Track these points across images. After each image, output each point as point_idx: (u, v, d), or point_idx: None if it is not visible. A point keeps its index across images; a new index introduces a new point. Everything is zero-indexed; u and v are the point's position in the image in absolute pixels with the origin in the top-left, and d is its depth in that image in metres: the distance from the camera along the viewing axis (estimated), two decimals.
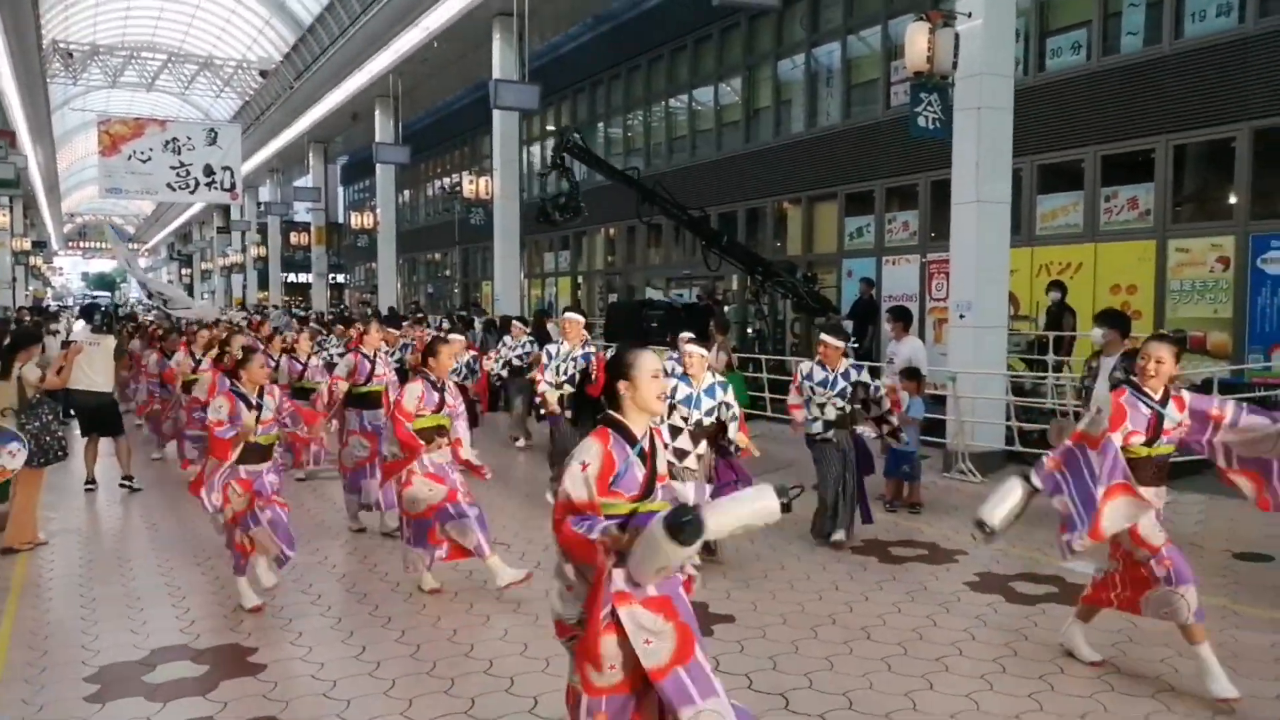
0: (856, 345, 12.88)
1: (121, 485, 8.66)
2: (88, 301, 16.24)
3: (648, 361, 2.86)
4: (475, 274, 28.24)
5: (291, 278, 40.46)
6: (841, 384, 6.60)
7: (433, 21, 19.59)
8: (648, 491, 2.82)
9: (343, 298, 36.27)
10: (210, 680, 4.41)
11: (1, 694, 4.26)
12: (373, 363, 7.51)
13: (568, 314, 8.59)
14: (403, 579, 5.86)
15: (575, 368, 7.86)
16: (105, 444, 9.01)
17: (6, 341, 6.78)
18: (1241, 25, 10.22)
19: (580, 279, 23.26)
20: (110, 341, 8.65)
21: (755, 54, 17.22)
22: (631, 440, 2.82)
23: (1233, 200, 10.49)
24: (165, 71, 33.04)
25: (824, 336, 6.70)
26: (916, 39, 9.21)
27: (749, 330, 15.86)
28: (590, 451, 2.77)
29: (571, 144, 13.03)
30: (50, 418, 6.49)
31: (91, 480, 8.69)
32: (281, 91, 31.11)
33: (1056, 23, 12.29)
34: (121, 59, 32.09)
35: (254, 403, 5.45)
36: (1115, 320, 6.90)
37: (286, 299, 35.55)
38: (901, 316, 9.09)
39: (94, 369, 8.26)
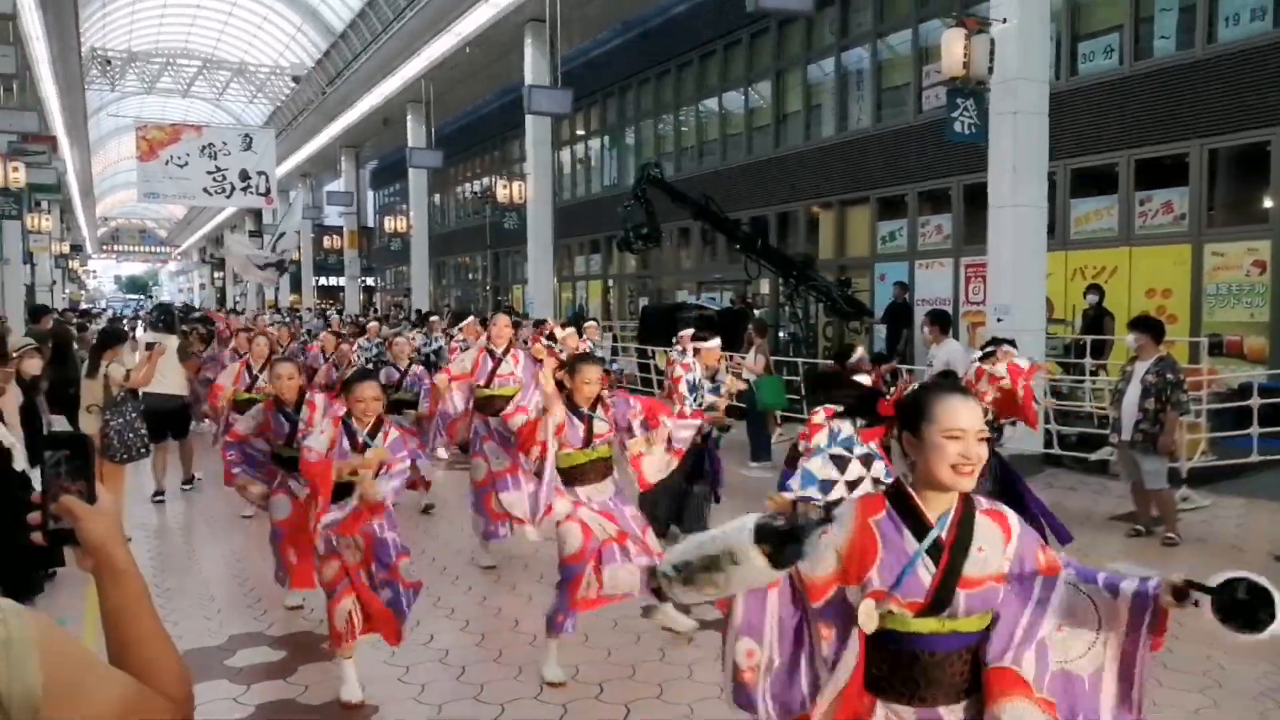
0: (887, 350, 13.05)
1: (183, 488, 8.64)
2: (159, 303, 16.54)
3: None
4: (506, 277, 28.53)
5: (323, 281, 40.94)
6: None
7: (465, 27, 19.86)
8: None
9: (374, 301, 36.67)
10: (289, 665, 4.63)
11: None
12: (498, 361, 6.52)
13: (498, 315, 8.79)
14: (463, 564, 6.05)
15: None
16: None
17: (96, 340, 7.06)
18: (1276, 29, 10.26)
19: (611, 282, 23.48)
20: (173, 341, 8.51)
21: (785, 58, 17.37)
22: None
23: (1268, 204, 10.54)
24: (199, 78, 33.62)
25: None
26: (952, 45, 9.37)
27: (781, 334, 15.99)
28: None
29: (652, 177, 13.87)
30: (134, 415, 6.74)
31: (160, 492, 8.47)
32: (314, 97, 31.55)
33: (1089, 27, 12.37)
34: (158, 65, 32.68)
35: (361, 440, 4.26)
36: (1148, 326, 7.02)
37: (319, 302, 36.00)
38: (939, 320, 9.19)
39: (163, 371, 8.04)
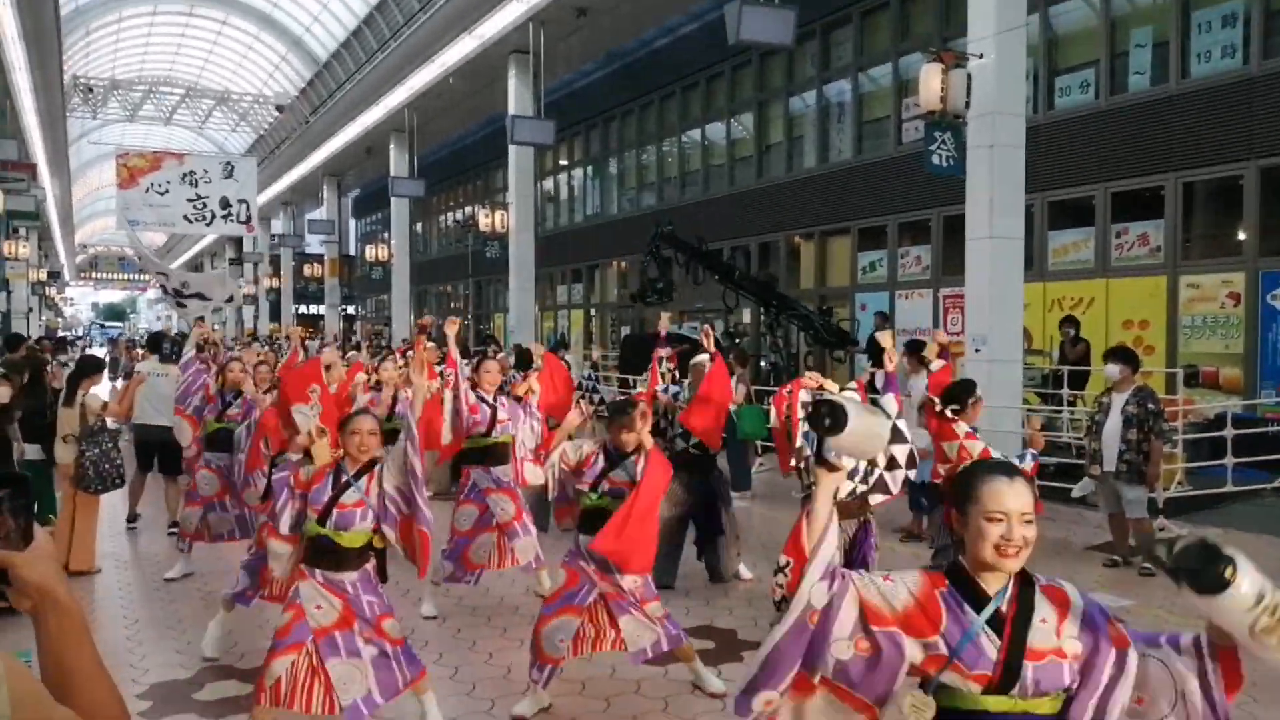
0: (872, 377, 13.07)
1: (170, 533, 7.97)
2: (155, 330, 16.12)
3: None
4: (488, 306, 28.50)
5: (303, 309, 40.77)
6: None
7: (449, 58, 19.97)
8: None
9: (354, 329, 36.51)
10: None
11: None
12: (493, 407, 5.89)
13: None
14: (439, 604, 5.96)
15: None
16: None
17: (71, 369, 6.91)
18: (1246, 66, 10.47)
19: (593, 311, 23.50)
20: (177, 372, 7.92)
21: (767, 90, 17.54)
22: None
23: (1242, 237, 10.68)
24: (182, 106, 33.60)
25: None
26: (930, 79, 9.49)
27: (763, 363, 16.02)
28: None
29: (664, 234, 14.43)
30: (109, 445, 6.63)
31: (134, 517, 8.33)
32: (297, 126, 31.59)
33: (1065, 62, 12.57)
34: (140, 93, 32.65)
35: (345, 480, 3.90)
36: (1126, 357, 7.07)
37: (298, 330, 35.81)
38: (916, 350, 9.22)
39: (161, 402, 7.84)
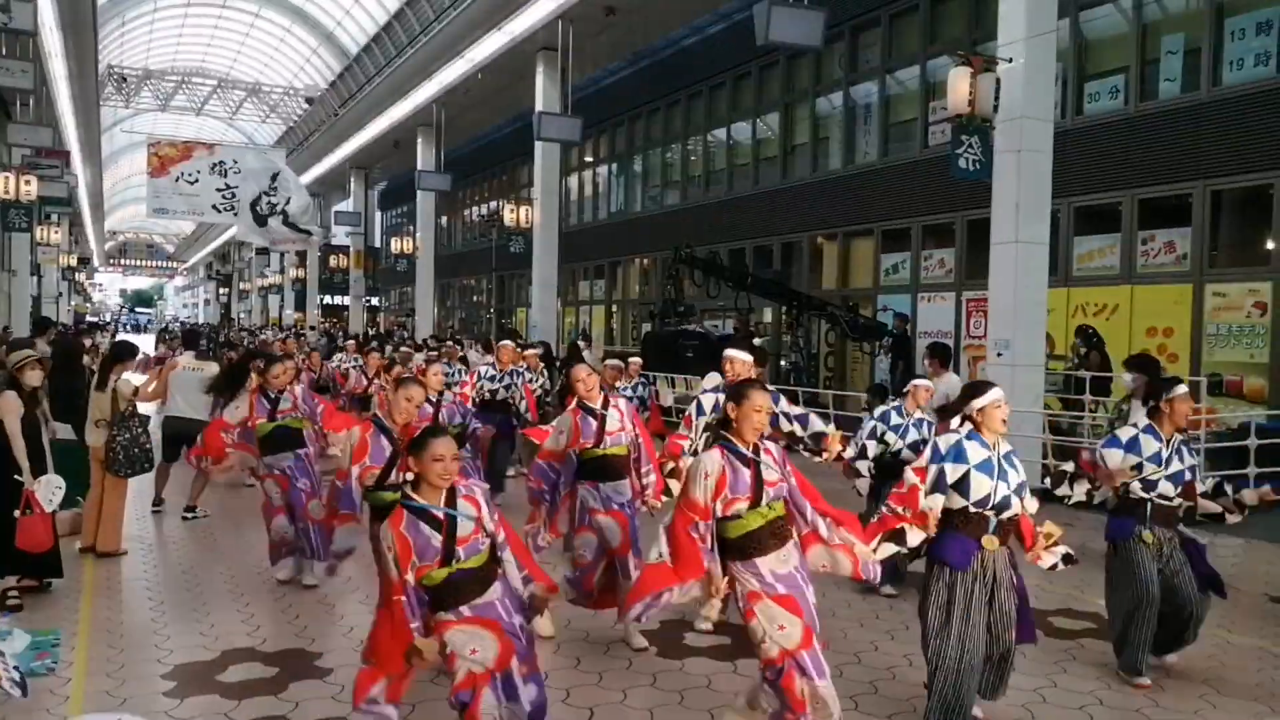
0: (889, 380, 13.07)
1: (184, 517, 8.17)
2: (189, 326, 16.31)
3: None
4: (510, 301, 28.65)
5: (328, 299, 41.12)
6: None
7: (478, 54, 20.10)
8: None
9: (378, 321, 36.80)
10: (280, 681, 4.62)
11: (89, 686, 4.51)
12: (600, 419, 5.11)
13: (502, 342, 9.47)
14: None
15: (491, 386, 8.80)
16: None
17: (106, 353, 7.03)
18: (1279, 74, 10.37)
19: (615, 308, 23.58)
20: (213, 368, 8.36)
21: (794, 91, 17.54)
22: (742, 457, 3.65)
23: (1270, 246, 10.60)
24: (213, 97, 33.98)
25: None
26: (959, 83, 9.47)
27: (782, 363, 16.03)
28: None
29: (684, 257, 15.02)
30: (139, 430, 6.76)
31: (159, 501, 8.40)
32: (326, 118, 31.86)
33: (1095, 68, 12.50)
34: (172, 84, 33.04)
35: (444, 517, 3.42)
36: (1144, 365, 7.03)
37: (323, 320, 36.14)
38: (940, 353, 9.21)
39: (193, 396, 8.02)
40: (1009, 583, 3.95)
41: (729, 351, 5.61)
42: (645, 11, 17.17)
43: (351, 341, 15.37)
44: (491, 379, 8.97)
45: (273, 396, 6.46)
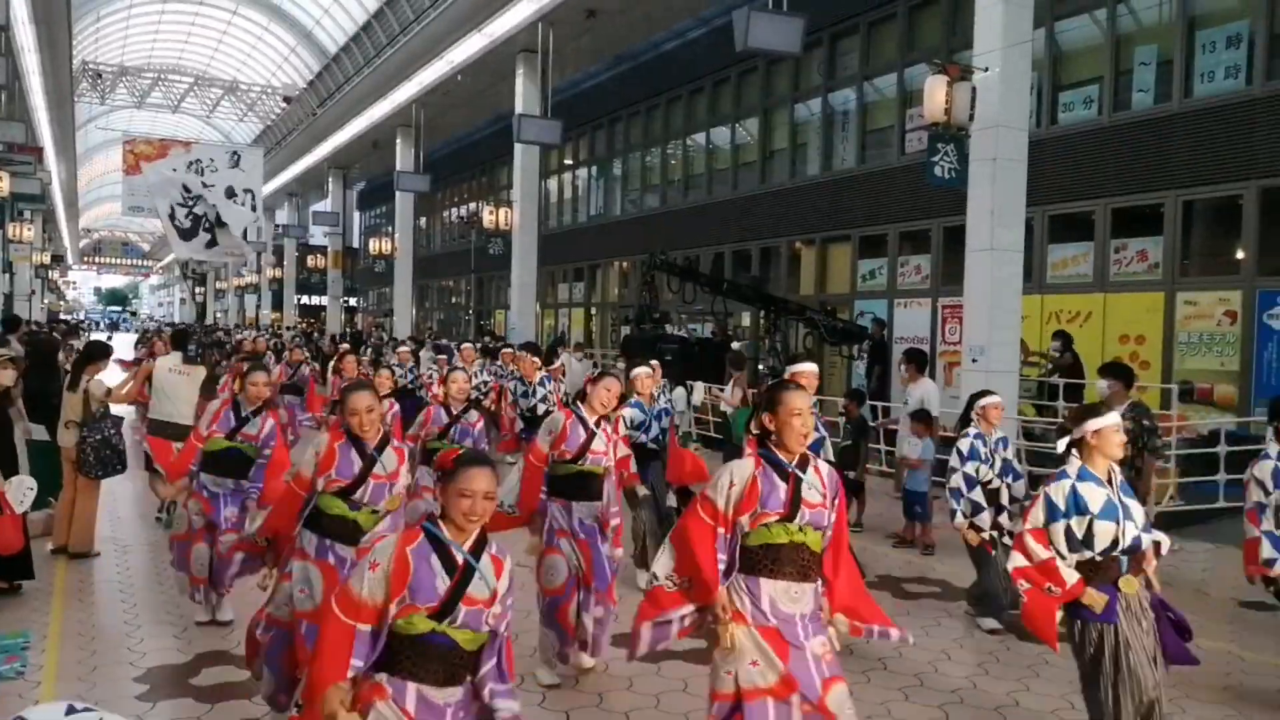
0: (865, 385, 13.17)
1: (157, 518, 7.99)
2: (179, 327, 15.86)
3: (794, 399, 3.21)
4: (489, 302, 28.59)
5: (305, 300, 40.87)
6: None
7: (457, 55, 20.06)
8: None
9: (355, 321, 36.62)
10: (253, 685, 4.59)
11: (59, 690, 4.47)
12: (590, 431, 4.81)
13: (520, 353, 8.99)
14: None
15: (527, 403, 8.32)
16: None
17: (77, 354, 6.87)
18: (1249, 87, 10.55)
19: (594, 310, 23.58)
20: (200, 373, 7.93)
21: (772, 97, 17.63)
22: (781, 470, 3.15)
23: (1240, 255, 10.76)
24: (190, 94, 33.70)
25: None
26: (935, 91, 9.57)
27: (760, 367, 16.08)
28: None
29: (659, 263, 15.05)
30: (112, 431, 6.70)
31: (163, 508, 7.84)
32: (304, 118, 31.68)
33: (1069, 78, 12.65)
34: (148, 80, 32.73)
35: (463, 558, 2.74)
36: (1119, 372, 7.11)
37: (299, 321, 35.91)
38: (916, 359, 9.30)
39: (180, 400, 7.51)
40: (1150, 621, 3.54)
41: (635, 370, 5.50)
42: (626, 15, 17.20)
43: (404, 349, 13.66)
44: (525, 395, 8.51)
45: (243, 414, 5.44)
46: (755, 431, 3.26)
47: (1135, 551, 3.49)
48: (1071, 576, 3.45)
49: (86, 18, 27.51)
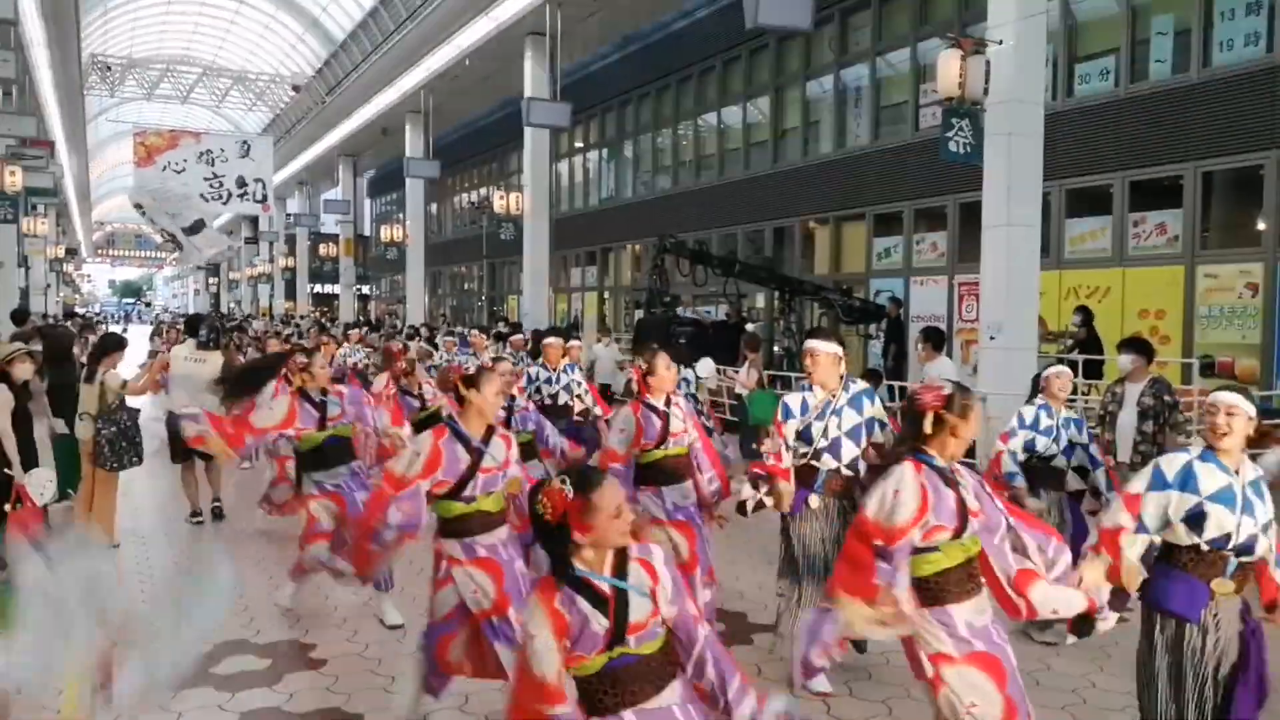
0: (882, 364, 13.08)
1: (188, 521, 7.76)
2: (192, 313, 15.69)
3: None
4: (502, 288, 28.57)
5: (318, 288, 40.98)
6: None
7: (465, 40, 19.97)
8: None
9: (368, 309, 36.69)
10: (274, 673, 4.62)
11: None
12: (664, 417, 4.69)
13: (549, 339, 8.13)
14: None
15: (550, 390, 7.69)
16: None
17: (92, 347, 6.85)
18: (1270, 54, 10.36)
19: (607, 294, 23.53)
20: (217, 360, 7.75)
21: (784, 75, 17.46)
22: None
23: (1261, 227, 10.61)
24: (199, 85, 33.71)
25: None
26: (949, 65, 9.43)
27: (775, 349, 16.02)
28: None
29: (669, 246, 15.02)
30: (128, 423, 6.70)
31: (197, 513, 7.72)
32: (313, 106, 31.65)
33: (1085, 50, 12.46)
34: (157, 72, 32.76)
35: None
36: (1139, 347, 7.02)
37: (313, 309, 36.02)
38: (933, 337, 9.20)
39: (194, 390, 7.22)
40: (1237, 644, 3.11)
41: (811, 343, 4.65)
42: None
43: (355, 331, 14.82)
44: (548, 381, 7.87)
45: (317, 400, 5.35)
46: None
47: (1247, 553, 3.09)
48: (1132, 556, 3.12)
49: (94, 10, 27.52)
